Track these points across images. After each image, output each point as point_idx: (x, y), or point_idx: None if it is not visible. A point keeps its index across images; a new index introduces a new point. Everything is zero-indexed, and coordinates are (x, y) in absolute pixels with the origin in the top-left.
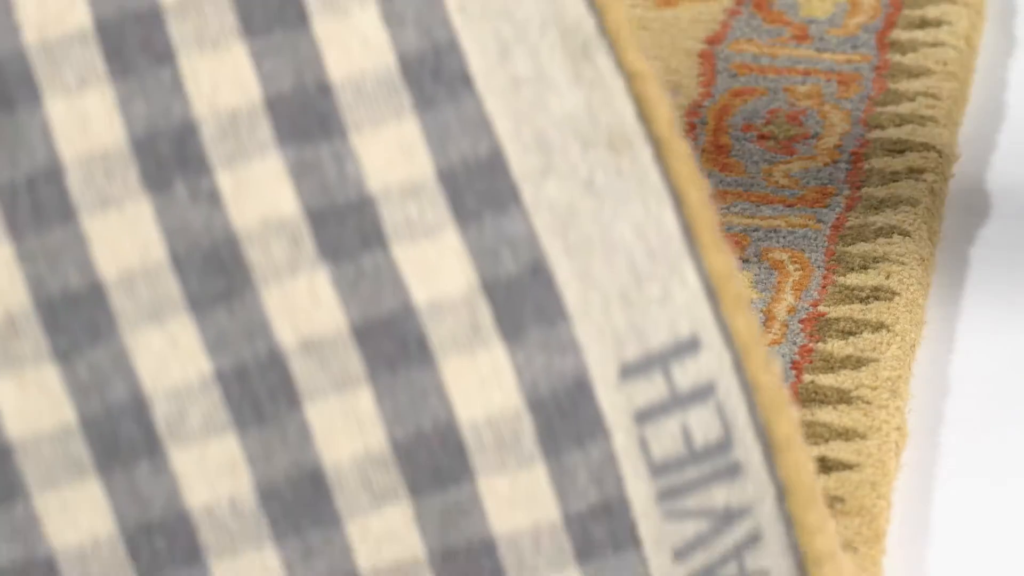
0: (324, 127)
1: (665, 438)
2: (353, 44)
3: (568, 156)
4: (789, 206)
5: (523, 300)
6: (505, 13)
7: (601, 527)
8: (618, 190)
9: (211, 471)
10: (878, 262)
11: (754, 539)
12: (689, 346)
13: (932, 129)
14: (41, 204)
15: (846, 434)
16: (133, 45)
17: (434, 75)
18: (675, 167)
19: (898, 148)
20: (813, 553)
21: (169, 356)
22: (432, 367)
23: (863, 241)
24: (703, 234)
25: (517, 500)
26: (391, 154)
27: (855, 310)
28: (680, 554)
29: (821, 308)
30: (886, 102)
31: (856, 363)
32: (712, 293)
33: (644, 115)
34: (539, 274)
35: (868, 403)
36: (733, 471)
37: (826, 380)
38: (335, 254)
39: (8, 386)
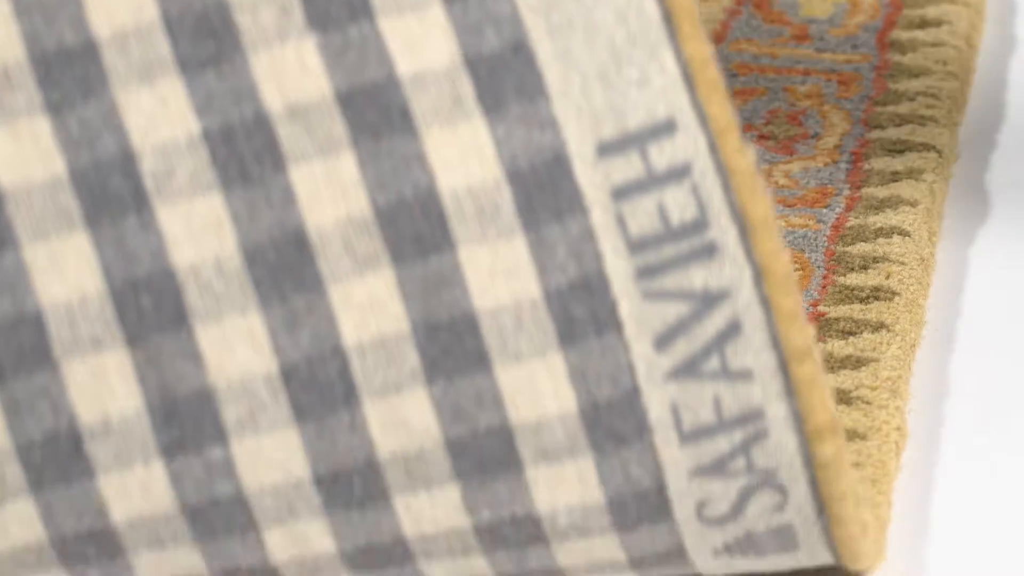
0: None
1: (642, 215)
2: None
3: None
4: (789, 206)
5: (504, 76)
6: None
7: (582, 305)
8: None
9: (197, 229)
10: (878, 262)
11: (734, 328)
12: (665, 128)
13: (932, 129)
14: None
15: (846, 434)
16: None
17: None
18: None
19: (898, 148)
20: (792, 348)
21: (158, 114)
22: (414, 136)
23: (863, 241)
24: (683, 23)
25: (497, 273)
26: None
27: (855, 310)
28: (662, 341)
29: (821, 308)
30: (886, 102)
31: (856, 363)
32: (689, 79)
33: None
34: (521, 52)
35: (868, 403)
36: (710, 251)
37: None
38: (323, 23)
39: (1, 136)
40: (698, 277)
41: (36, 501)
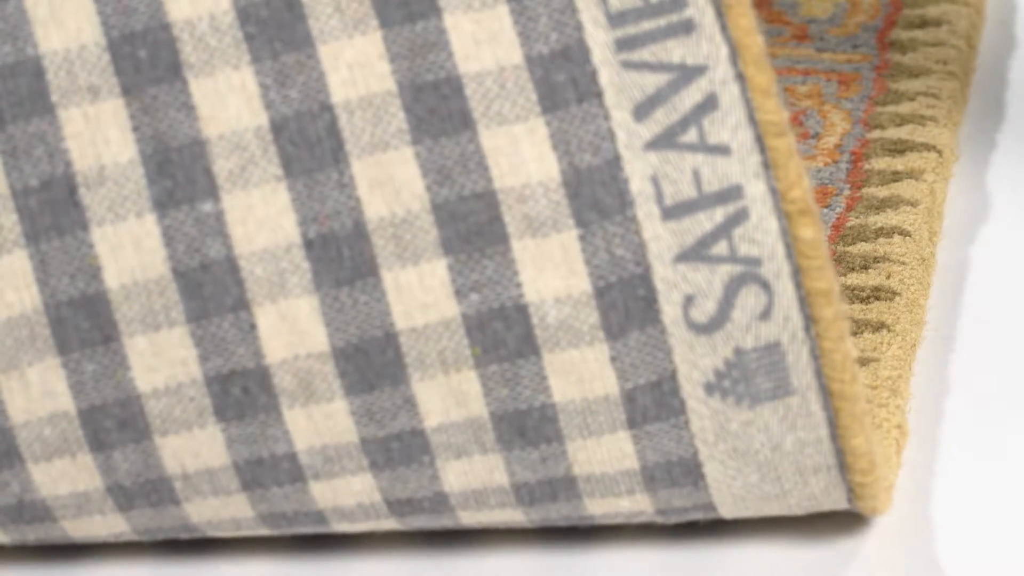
0: None
1: None
2: None
3: None
4: None
5: None
6: None
7: (562, 72)
8: None
9: None
10: (879, 262)
11: (711, 102)
12: None
13: (932, 129)
14: None
15: None
16: None
17: None
18: None
19: (898, 148)
20: (768, 121)
21: None
22: None
23: (863, 241)
24: None
25: (481, 40)
26: None
27: (855, 310)
28: (641, 110)
29: None
30: (886, 102)
31: (856, 363)
32: None
33: None
34: None
35: (868, 402)
36: (687, 27)
37: None
38: None
39: None
40: (676, 52)
41: (31, 254)
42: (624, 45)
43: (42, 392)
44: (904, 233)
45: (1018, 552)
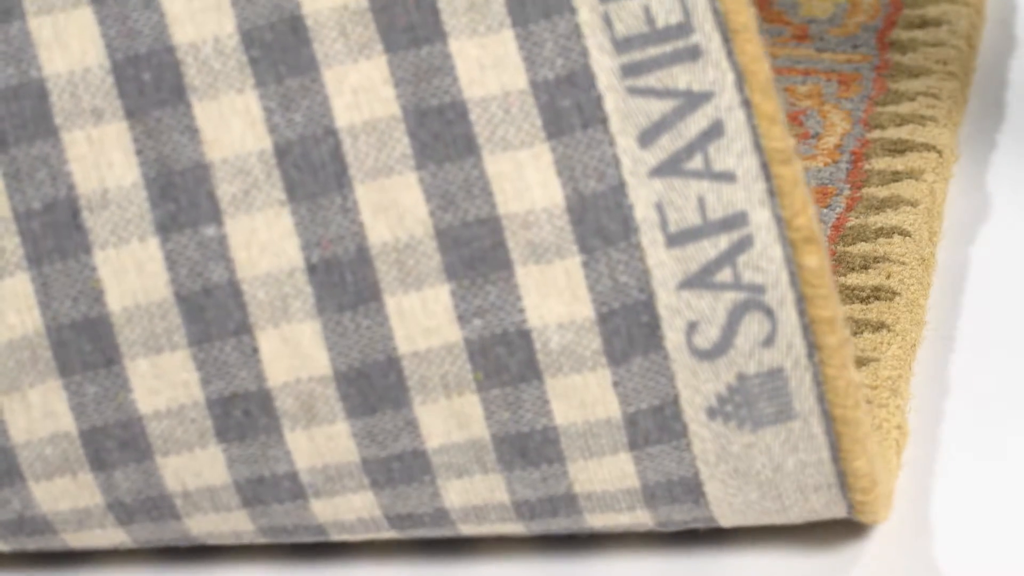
0: None
1: (628, 17)
2: None
3: None
4: None
5: None
6: None
7: (568, 98)
8: None
9: (197, 8)
10: (878, 262)
11: (717, 129)
12: None
13: (932, 129)
14: None
15: None
16: None
17: None
18: None
19: (898, 148)
20: (774, 149)
21: None
22: None
23: (863, 241)
24: None
25: (486, 64)
26: None
27: (855, 310)
28: (646, 137)
29: None
30: (886, 102)
31: (857, 363)
32: None
33: None
34: None
35: (868, 403)
36: (693, 54)
37: None
38: None
39: None
40: (682, 78)
41: (33, 277)
42: (630, 71)
43: (43, 413)
44: (904, 233)
45: (1018, 553)
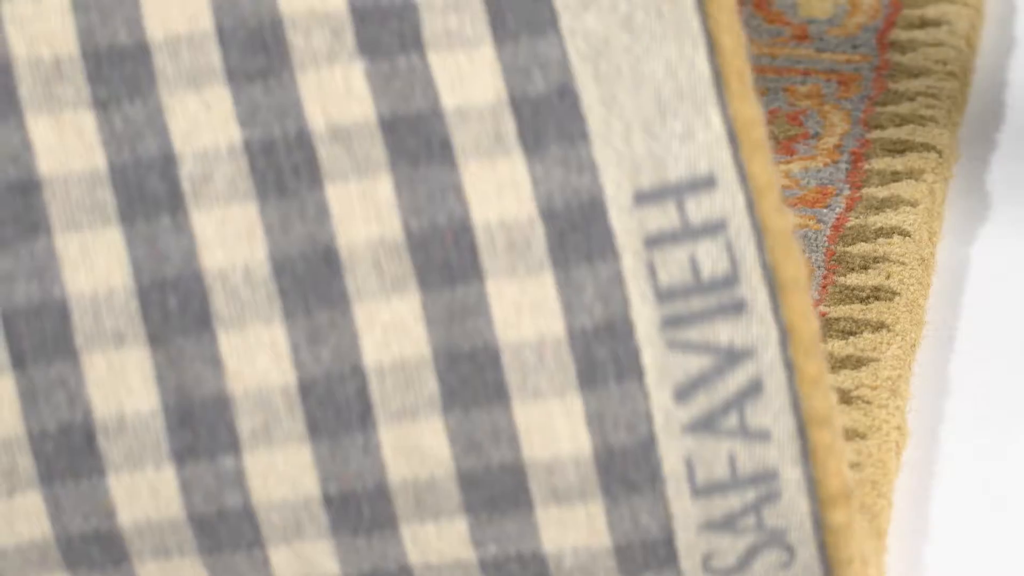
0: None
1: (673, 265)
2: None
3: None
4: (789, 206)
5: (547, 118)
6: None
7: (604, 348)
8: (655, 29)
9: (229, 235)
10: (878, 262)
11: (756, 388)
12: (705, 183)
13: (932, 129)
14: None
15: (846, 434)
16: None
17: None
18: (715, 15)
19: (898, 148)
20: (812, 413)
21: (202, 120)
22: (452, 167)
23: (863, 241)
24: (733, 81)
25: (523, 308)
26: None
27: (855, 310)
28: (682, 393)
29: (821, 308)
30: (886, 102)
31: (856, 363)
32: (733, 137)
33: None
34: (566, 96)
35: (868, 403)
36: (738, 308)
37: None
38: (373, 50)
39: (45, 125)
40: (724, 333)
41: (45, 495)
42: (670, 323)
43: None
44: (904, 233)
45: (1018, 553)
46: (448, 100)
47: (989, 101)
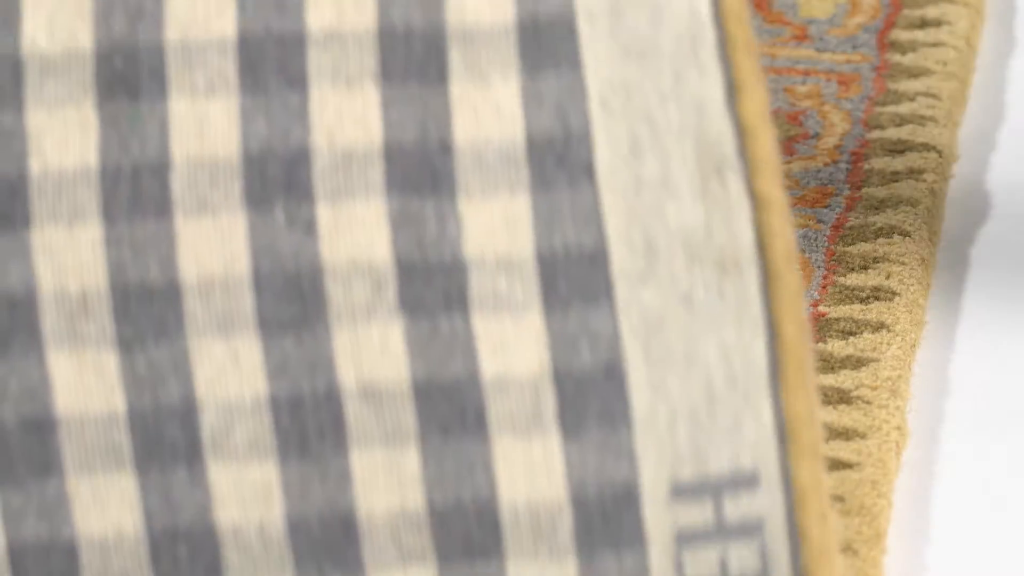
0: (435, 183)
1: (702, 565)
2: (485, 111)
3: (672, 266)
4: (790, 206)
5: (590, 397)
6: (646, 114)
7: None
8: (715, 310)
9: (246, 493)
10: (878, 262)
11: None
12: (747, 481)
13: (932, 129)
14: (140, 194)
15: (846, 434)
16: (270, 64)
17: (558, 159)
18: (780, 300)
19: (898, 148)
20: None
21: (228, 369)
22: (484, 441)
23: (863, 241)
24: (791, 373)
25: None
26: (495, 225)
27: (855, 310)
28: None
29: (821, 308)
30: (886, 102)
31: (856, 363)
32: (784, 435)
33: (762, 242)
34: (613, 374)
35: (868, 403)
36: None
37: (826, 380)
38: (414, 308)
39: (66, 362)
40: None
41: None
42: None
43: None
44: (904, 233)
45: (1018, 553)
46: (488, 367)
47: (989, 101)
